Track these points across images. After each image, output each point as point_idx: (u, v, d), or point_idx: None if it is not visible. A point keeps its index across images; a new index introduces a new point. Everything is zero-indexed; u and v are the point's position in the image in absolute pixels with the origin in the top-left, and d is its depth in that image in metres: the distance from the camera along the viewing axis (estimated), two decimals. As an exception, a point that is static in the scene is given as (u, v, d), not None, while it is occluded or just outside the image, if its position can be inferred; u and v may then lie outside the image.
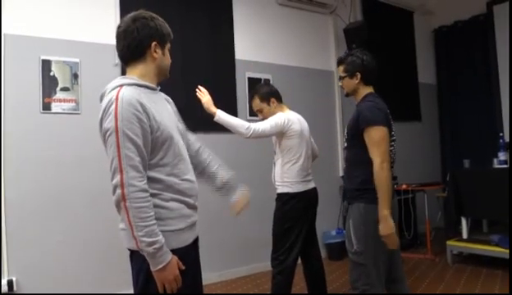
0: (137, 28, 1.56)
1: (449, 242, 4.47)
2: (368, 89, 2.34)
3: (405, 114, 6.15)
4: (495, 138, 4.93)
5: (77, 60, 3.59)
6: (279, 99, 3.06)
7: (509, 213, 3.81)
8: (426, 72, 6.53)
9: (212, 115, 2.83)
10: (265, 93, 3.03)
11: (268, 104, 3.01)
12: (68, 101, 3.54)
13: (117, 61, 3.75)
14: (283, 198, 2.93)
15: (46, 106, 3.46)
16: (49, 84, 3.47)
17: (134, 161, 1.43)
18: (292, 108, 4.92)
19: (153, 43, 1.58)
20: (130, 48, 1.57)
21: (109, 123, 1.43)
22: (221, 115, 2.80)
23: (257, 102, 3.04)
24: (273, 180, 3.01)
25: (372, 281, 2.19)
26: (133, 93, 1.48)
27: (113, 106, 1.44)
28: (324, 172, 5.10)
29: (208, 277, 4.01)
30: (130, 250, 1.56)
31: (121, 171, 1.41)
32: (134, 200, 1.40)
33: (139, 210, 1.41)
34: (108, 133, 1.43)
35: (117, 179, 1.41)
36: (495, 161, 4.50)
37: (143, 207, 1.42)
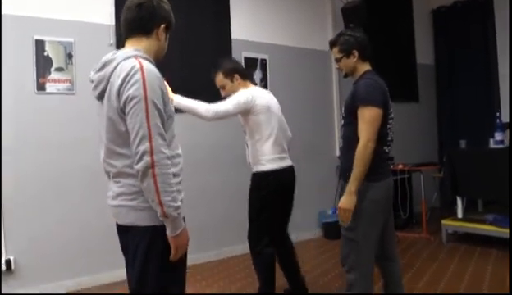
0: (154, 5, 1.61)
1: (444, 222, 4.51)
2: (366, 66, 2.31)
3: (403, 94, 6.12)
4: (492, 119, 4.93)
5: (71, 40, 3.55)
6: (243, 76, 2.91)
7: (509, 201, 3.80)
8: (424, 53, 6.49)
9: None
10: (228, 69, 2.85)
11: (231, 80, 2.84)
12: (63, 81, 3.52)
13: (112, 41, 3.72)
14: (257, 177, 2.81)
15: (40, 87, 3.44)
16: (43, 65, 3.44)
17: (161, 129, 1.47)
18: (288, 88, 4.99)
19: (163, 25, 1.63)
20: (143, 21, 1.60)
21: (136, 91, 1.44)
22: (180, 100, 2.60)
23: (220, 78, 2.86)
24: (248, 161, 2.89)
25: (361, 258, 2.21)
26: (152, 66, 1.53)
27: (139, 75, 1.45)
28: (321, 152, 5.13)
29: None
30: (126, 226, 1.58)
31: (151, 139, 1.43)
32: (164, 166, 1.44)
33: (167, 176, 1.45)
34: (135, 101, 1.43)
35: (146, 146, 1.42)
36: (491, 141, 4.50)
37: (169, 174, 1.46)
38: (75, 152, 3.53)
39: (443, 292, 3.11)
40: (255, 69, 4.66)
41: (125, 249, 1.67)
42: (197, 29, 4.23)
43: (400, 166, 5.00)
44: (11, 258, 3.27)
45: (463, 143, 4.91)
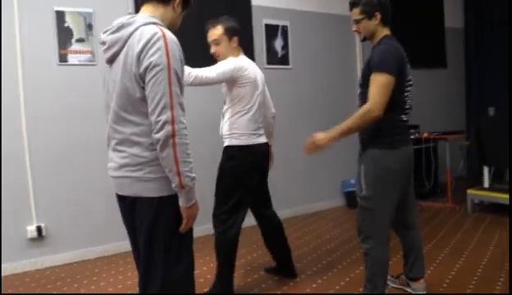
0: None
1: (469, 191, 4.43)
2: (385, 30, 2.23)
3: (430, 60, 5.92)
4: (523, 85, 4.73)
5: (90, 10, 3.55)
6: (240, 42, 2.69)
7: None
8: (453, 16, 6.20)
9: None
10: (231, 27, 2.63)
11: (229, 40, 2.62)
12: (84, 52, 3.54)
13: (131, 9, 3.70)
14: (229, 151, 2.63)
15: (62, 58, 3.47)
16: (64, 36, 3.46)
17: (181, 98, 1.46)
18: (311, 56, 4.88)
19: None
20: None
21: (159, 58, 1.41)
22: None
23: (219, 32, 2.61)
24: (220, 132, 2.71)
25: (376, 227, 2.20)
26: (172, 34, 1.50)
27: (162, 43, 1.42)
28: (343, 120, 5.05)
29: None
30: (130, 197, 1.57)
31: (172, 108, 1.41)
32: (183, 136, 1.44)
33: (186, 146, 1.45)
34: (158, 69, 1.41)
35: (168, 115, 1.40)
36: (521, 108, 4.34)
37: (188, 144, 1.46)
38: (97, 120, 3.57)
39: (456, 278, 3.07)
40: (276, 36, 4.57)
41: (127, 222, 1.67)
42: (216, -3, 4.15)
43: (425, 135, 4.89)
44: (42, 225, 3.40)
45: (491, 111, 4.76)
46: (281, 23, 4.58)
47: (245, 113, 2.60)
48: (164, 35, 1.44)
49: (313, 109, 4.83)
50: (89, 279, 3.15)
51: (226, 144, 2.66)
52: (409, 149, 2.27)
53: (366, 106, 2.07)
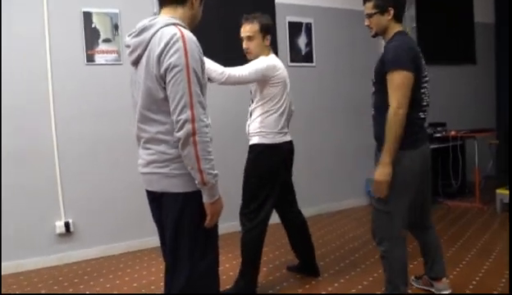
0: None
1: (498, 191, 4.31)
2: (398, 27, 2.17)
3: (459, 56, 5.78)
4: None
5: (117, 10, 3.62)
6: (271, 42, 2.71)
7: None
8: (483, 10, 6.02)
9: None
10: (267, 25, 2.62)
11: (263, 39, 2.62)
12: (110, 52, 3.62)
13: (156, 10, 3.75)
14: (256, 149, 2.64)
15: (90, 58, 3.55)
16: (91, 36, 3.55)
17: (201, 97, 1.49)
18: (335, 53, 4.83)
19: None
20: None
21: (178, 59, 1.45)
22: None
23: (254, 28, 2.59)
24: (247, 131, 2.72)
25: (392, 229, 2.15)
26: (191, 35, 1.54)
27: (180, 43, 1.46)
28: (368, 118, 4.95)
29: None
30: (158, 193, 1.61)
31: (192, 107, 1.45)
32: (204, 134, 1.47)
33: (207, 144, 1.48)
34: (178, 69, 1.45)
35: (188, 114, 1.44)
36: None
37: (209, 142, 1.49)
38: (123, 118, 3.64)
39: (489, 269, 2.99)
40: (300, 34, 4.55)
41: (155, 216, 1.72)
42: (240, -5, 4.16)
43: (453, 133, 4.77)
44: (70, 221, 3.50)
45: (523, 108, 4.60)
46: (304, 20, 4.56)
47: (274, 112, 2.62)
48: (183, 36, 1.48)
49: (336, 107, 4.79)
50: (114, 274, 3.22)
51: (252, 142, 2.67)
52: (427, 148, 2.22)
53: (390, 112, 2.01)
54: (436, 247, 2.45)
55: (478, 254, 3.20)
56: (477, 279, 2.76)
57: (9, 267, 3.29)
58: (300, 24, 4.53)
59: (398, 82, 2.00)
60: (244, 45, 2.65)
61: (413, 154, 2.11)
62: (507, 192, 4.25)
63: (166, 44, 1.46)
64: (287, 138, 2.72)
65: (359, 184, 4.99)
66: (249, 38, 2.62)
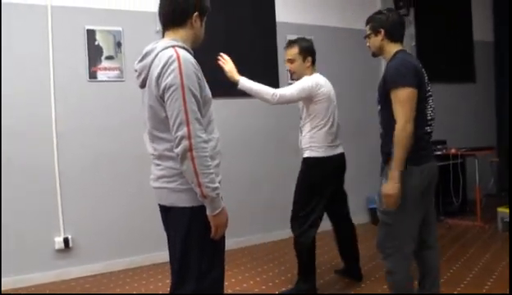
0: None
1: (499, 209, 4.29)
2: (396, 47, 2.24)
3: (458, 75, 5.82)
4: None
5: (120, 28, 3.67)
6: (313, 62, 2.97)
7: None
8: (482, 29, 6.08)
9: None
10: (306, 48, 2.91)
11: (303, 60, 2.90)
12: (113, 69, 3.66)
13: (159, 28, 3.80)
14: (308, 162, 2.88)
15: (92, 75, 3.59)
16: (95, 54, 3.59)
17: (198, 114, 1.54)
18: (335, 72, 4.85)
19: (195, 14, 1.68)
20: (175, 15, 1.68)
21: (174, 79, 1.51)
22: (245, 83, 2.73)
23: (294, 52, 2.90)
24: (300, 146, 2.96)
25: (398, 243, 2.15)
26: (188, 54, 1.60)
27: (176, 64, 1.52)
28: (369, 136, 4.99)
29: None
30: (166, 206, 1.68)
31: (188, 124, 1.50)
32: (201, 149, 1.52)
33: (205, 159, 1.52)
34: (173, 89, 1.51)
35: (184, 131, 1.50)
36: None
37: (207, 157, 1.54)
38: (124, 135, 3.67)
39: (493, 284, 2.96)
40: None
41: (167, 228, 1.77)
42: (241, 14, 4.22)
43: (453, 151, 4.77)
44: (69, 236, 3.49)
45: (523, 126, 4.61)
46: (305, 38, 4.60)
47: (322, 127, 2.84)
48: (178, 57, 1.55)
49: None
50: (112, 291, 3.20)
51: (304, 156, 2.90)
52: (434, 164, 2.23)
53: (398, 128, 2.04)
54: (437, 269, 2.38)
55: (480, 273, 3.18)
56: (479, 298, 2.74)
57: (7, 283, 3.27)
58: (301, 42, 4.57)
59: (403, 98, 2.05)
60: (287, 67, 3.01)
61: (418, 170, 2.12)
62: (508, 210, 4.23)
63: (163, 66, 1.54)
64: (338, 150, 2.93)
65: (360, 202, 4.97)
66: (290, 61, 2.92)
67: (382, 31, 2.24)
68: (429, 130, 2.21)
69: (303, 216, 2.84)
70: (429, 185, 2.20)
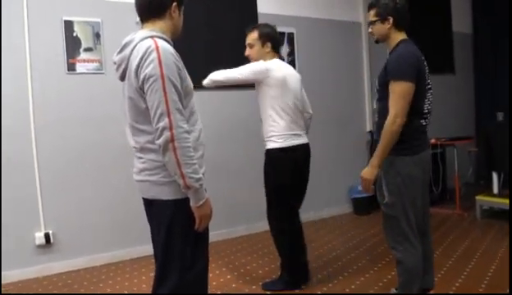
0: None
1: (478, 197, 4.39)
2: (401, 35, 2.20)
3: (437, 66, 5.86)
4: (532, 90, 4.68)
5: (98, 20, 3.60)
6: (274, 48, 2.82)
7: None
8: (461, 20, 6.17)
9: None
10: (266, 33, 2.77)
11: (262, 45, 2.76)
12: (92, 61, 3.59)
13: (138, 19, 3.74)
14: (270, 154, 2.76)
15: (71, 67, 3.52)
16: (73, 45, 3.52)
17: (179, 104, 1.52)
18: (317, 62, 4.88)
19: (174, 4, 1.67)
20: (152, 5, 1.64)
21: (153, 69, 1.49)
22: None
23: (254, 36, 2.78)
24: (262, 138, 2.85)
25: (403, 233, 2.18)
26: (167, 45, 1.58)
27: (155, 54, 1.50)
28: (351, 127, 5.05)
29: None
30: (149, 199, 1.67)
31: (169, 114, 1.48)
32: (183, 140, 1.49)
33: (187, 149, 1.50)
34: (153, 79, 1.49)
35: (165, 121, 1.48)
36: (531, 113, 4.29)
37: (189, 147, 1.52)
38: (104, 128, 3.62)
39: (469, 276, 3.04)
40: (282, 43, 4.58)
41: (150, 221, 1.76)
42: (222, 5, 4.19)
43: (433, 141, 4.84)
44: (50, 232, 3.44)
45: (500, 116, 4.71)
46: (287, 30, 4.60)
47: (279, 115, 2.69)
48: (157, 47, 1.52)
49: (319, 116, 4.77)
50: (95, 286, 3.17)
51: (266, 147, 2.78)
52: (428, 154, 2.28)
53: (388, 119, 2.07)
54: (430, 256, 2.43)
55: (459, 260, 3.25)
56: (457, 284, 2.80)
57: (-14, 280, 3.21)
58: (283, 34, 4.57)
59: (399, 92, 2.06)
60: (246, 52, 2.83)
61: (414, 160, 2.16)
62: (487, 198, 4.33)
63: (142, 57, 1.52)
64: (300, 140, 2.77)
65: (342, 192, 5.02)
66: (250, 45, 2.81)
67: (391, 19, 2.16)
68: (424, 123, 2.23)
69: (276, 212, 2.80)
70: (424, 173, 2.25)
